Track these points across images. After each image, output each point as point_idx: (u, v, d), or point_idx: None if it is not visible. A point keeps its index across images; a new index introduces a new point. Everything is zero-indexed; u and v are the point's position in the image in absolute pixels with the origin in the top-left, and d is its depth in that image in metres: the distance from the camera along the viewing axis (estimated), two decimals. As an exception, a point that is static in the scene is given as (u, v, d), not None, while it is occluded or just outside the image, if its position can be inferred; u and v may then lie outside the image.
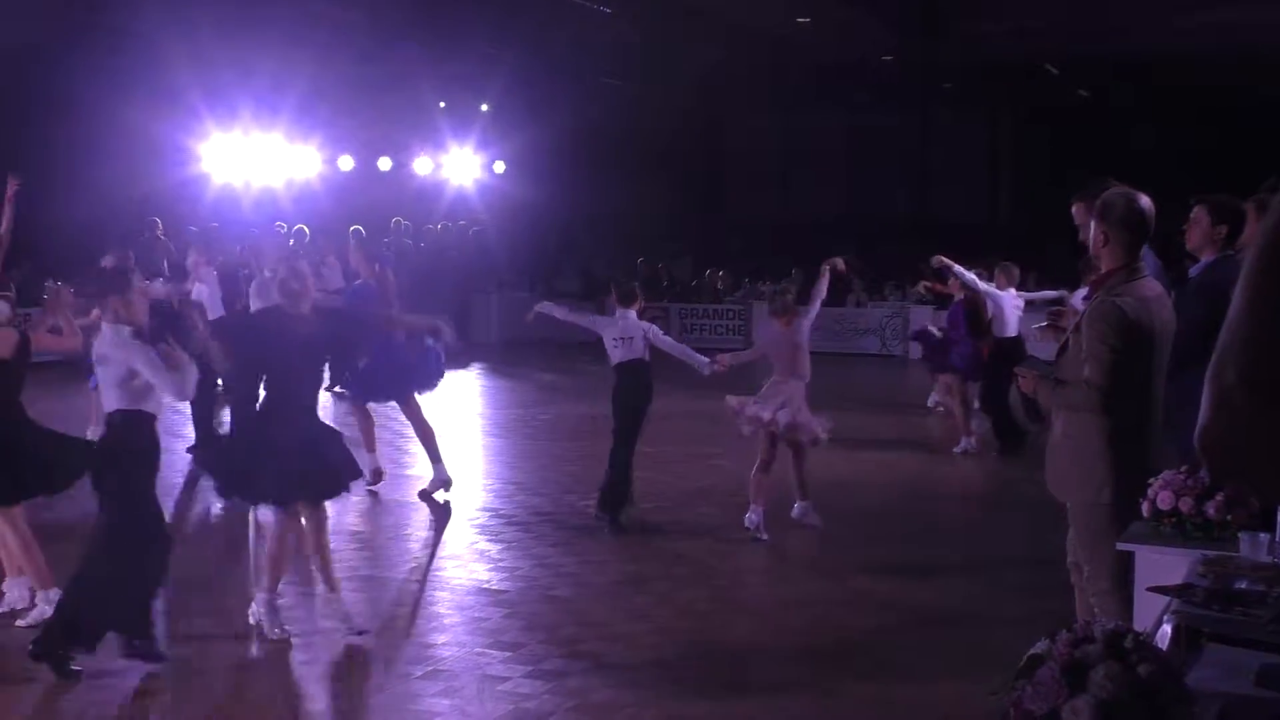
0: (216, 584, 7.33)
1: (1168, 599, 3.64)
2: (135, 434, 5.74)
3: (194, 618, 6.59)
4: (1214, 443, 1.02)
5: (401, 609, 7.00)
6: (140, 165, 19.75)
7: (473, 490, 10.37)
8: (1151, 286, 4.79)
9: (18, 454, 6.30)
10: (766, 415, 8.28)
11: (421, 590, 7.36)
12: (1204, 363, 4.43)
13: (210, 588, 7.21)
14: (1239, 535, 3.91)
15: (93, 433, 8.51)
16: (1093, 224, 4.75)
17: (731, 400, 8.56)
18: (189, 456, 10.47)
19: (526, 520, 9.09)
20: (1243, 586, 3.55)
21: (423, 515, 9.37)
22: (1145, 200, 4.78)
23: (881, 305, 20.99)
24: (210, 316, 10.56)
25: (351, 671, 5.92)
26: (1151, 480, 4.47)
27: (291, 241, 21.44)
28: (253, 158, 21.62)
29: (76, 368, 9.46)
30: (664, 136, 26.40)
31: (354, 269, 9.65)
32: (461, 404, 15.50)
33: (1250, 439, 0.99)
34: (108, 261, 11.31)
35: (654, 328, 8.86)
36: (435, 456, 9.61)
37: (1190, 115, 22.74)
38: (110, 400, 5.77)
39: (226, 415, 10.75)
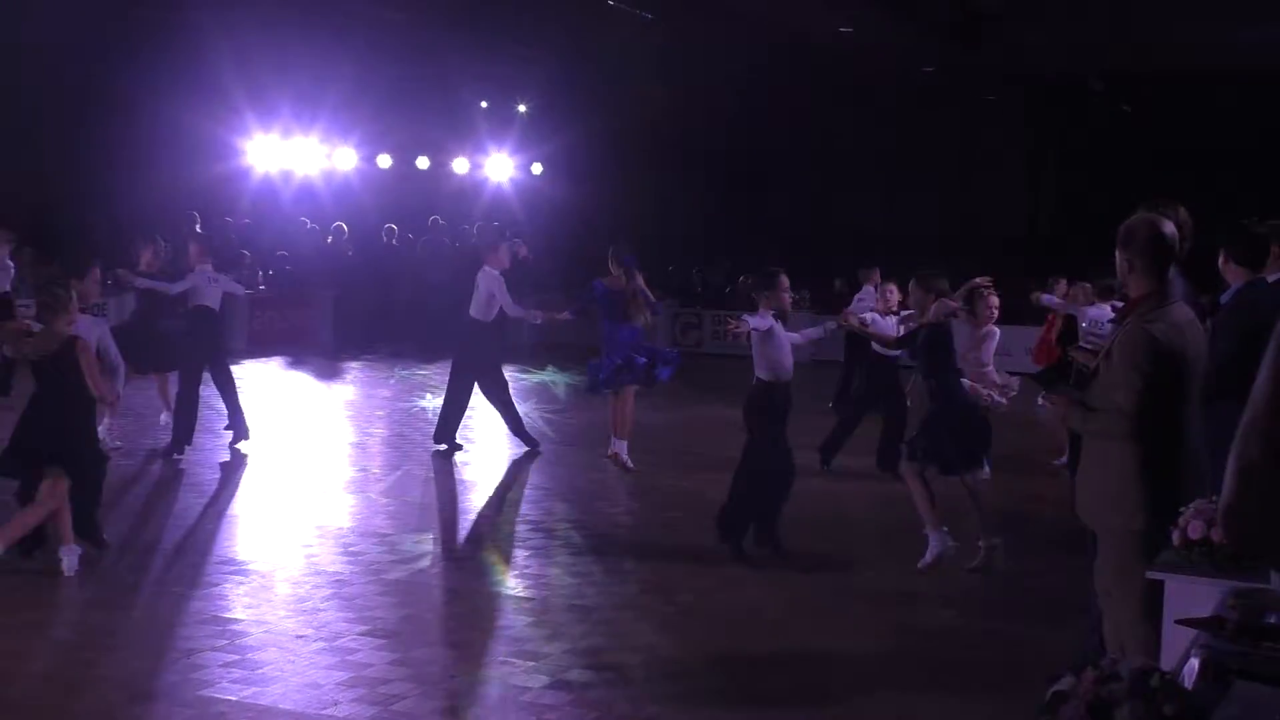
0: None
1: (1196, 631, 3.60)
2: None
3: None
4: (1238, 519, 0.99)
5: (424, 614, 7.01)
6: (184, 160, 19.95)
7: (499, 495, 10.40)
8: (1183, 312, 4.75)
9: None
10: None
11: (445, 595, 7.37)
12: (1239, 394, 4.31)
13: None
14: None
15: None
16: (1117, 252, 4.73)
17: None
18: None
19: (553, 526, 9.09)
20: (1273, 621, 3.50)
21: (447, 518, 9.39)
22: (1168, 225, 4.73)
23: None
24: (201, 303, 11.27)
25: (371, 678, 5.92)
26: (1183, 509, 4.42)
27: (330, 239, 21.66)
28: (292, 155, 21.81)
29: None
30: (703, 141, 26.35)
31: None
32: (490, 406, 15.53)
33: (1276, 517, 0.96)
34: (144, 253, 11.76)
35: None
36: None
37: (1233, 130, 22.51)
38: None
39: None
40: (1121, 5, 16.78)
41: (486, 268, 11.39)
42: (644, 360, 11.03)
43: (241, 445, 11.41)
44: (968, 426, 8.21)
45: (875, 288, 13.19)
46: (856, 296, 14.55)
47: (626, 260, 11.07)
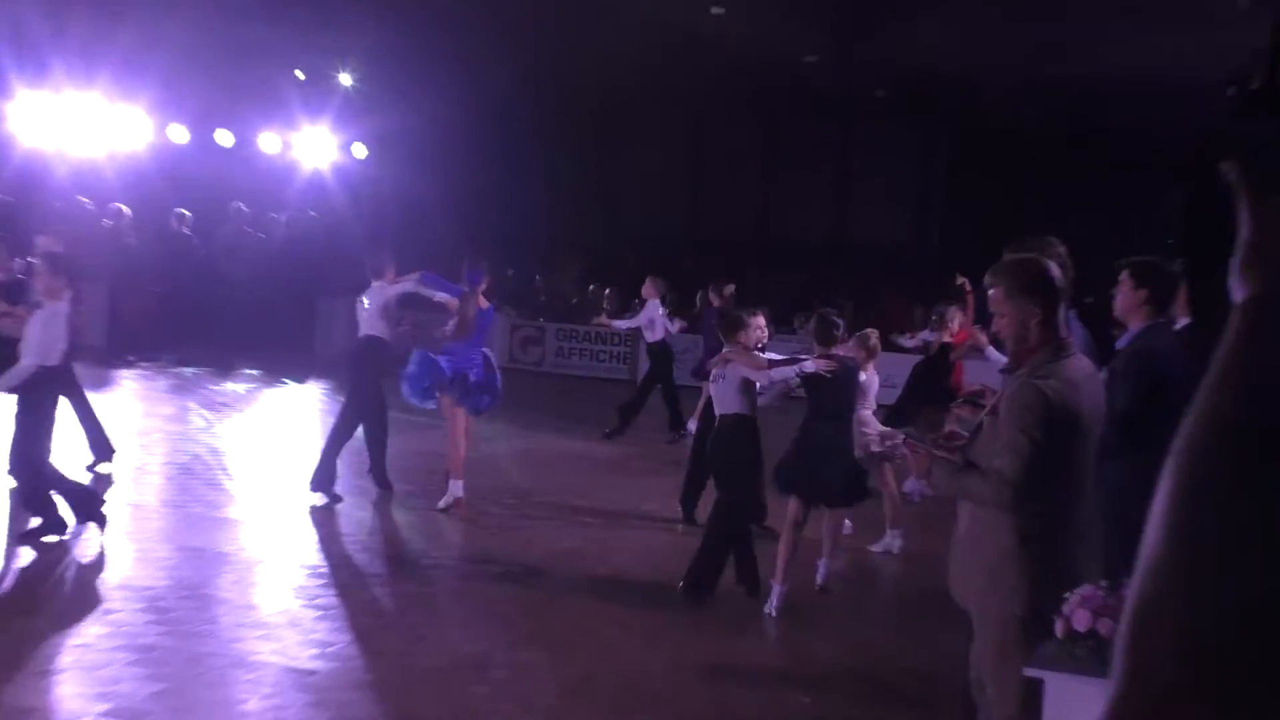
0: None
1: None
2: None
3: None
4: None
5: (184, 689, 6.63)
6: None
7: (295, 545, 9.91)
8: (1081, 365, 4.69)
9: None
10: None
11: (211, 666, 6.99)
12: (1133, 450, 4.21)
13: None
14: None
15: None
16: (996, 297, 4.65)
17: None
18: None
19: (349, 582, 8.76)
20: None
21: (226, 571, 8.94)
22: (1053, 267, 4.70)
23: (790, 339, 20.66)
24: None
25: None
26: (1068, 594, 4.36)
27: (108, 221, 20.83)
28: (68, 120, 20.89)
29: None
30: (554, 129, 26.15)
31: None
32: (296, 428, 15.09)
33: None
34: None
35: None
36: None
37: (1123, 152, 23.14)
38: None
39: None
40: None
41: (380, 283, 11.56)
42: (475, 381, 11.25)
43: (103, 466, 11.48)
44: (833, 465, 8.84)
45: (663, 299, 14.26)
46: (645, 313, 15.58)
47: (471, 275, 11.37)
